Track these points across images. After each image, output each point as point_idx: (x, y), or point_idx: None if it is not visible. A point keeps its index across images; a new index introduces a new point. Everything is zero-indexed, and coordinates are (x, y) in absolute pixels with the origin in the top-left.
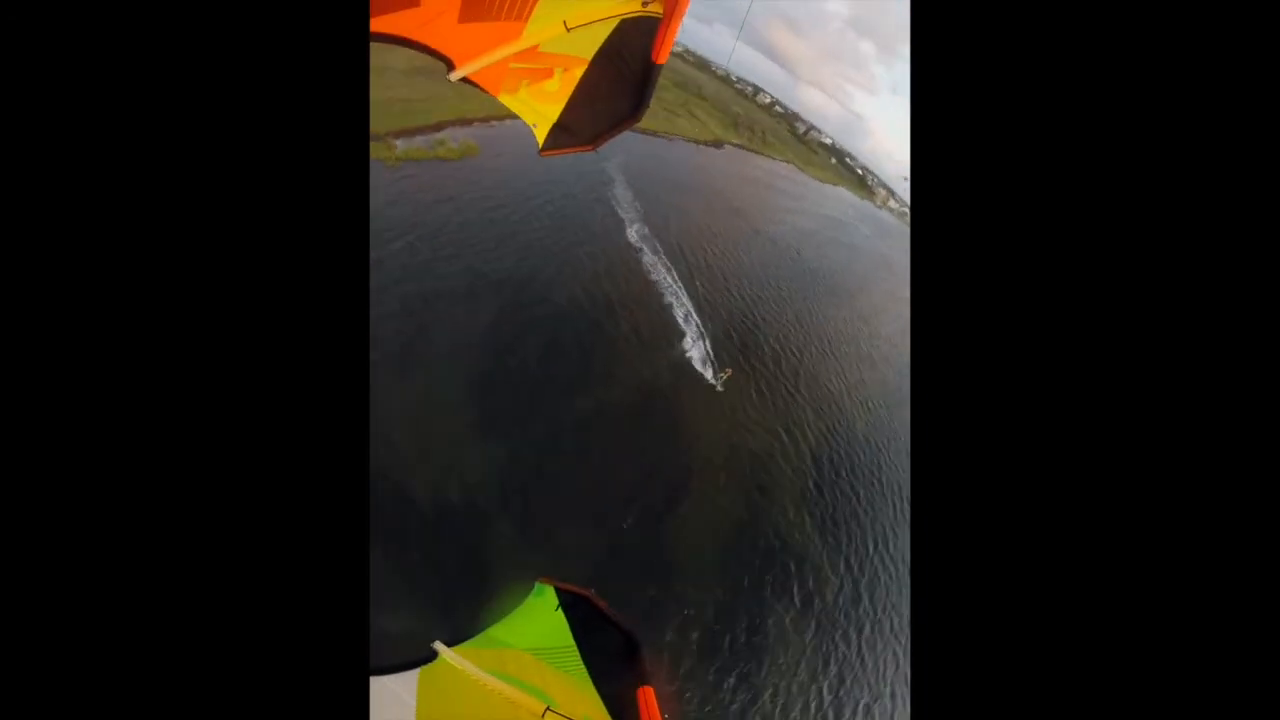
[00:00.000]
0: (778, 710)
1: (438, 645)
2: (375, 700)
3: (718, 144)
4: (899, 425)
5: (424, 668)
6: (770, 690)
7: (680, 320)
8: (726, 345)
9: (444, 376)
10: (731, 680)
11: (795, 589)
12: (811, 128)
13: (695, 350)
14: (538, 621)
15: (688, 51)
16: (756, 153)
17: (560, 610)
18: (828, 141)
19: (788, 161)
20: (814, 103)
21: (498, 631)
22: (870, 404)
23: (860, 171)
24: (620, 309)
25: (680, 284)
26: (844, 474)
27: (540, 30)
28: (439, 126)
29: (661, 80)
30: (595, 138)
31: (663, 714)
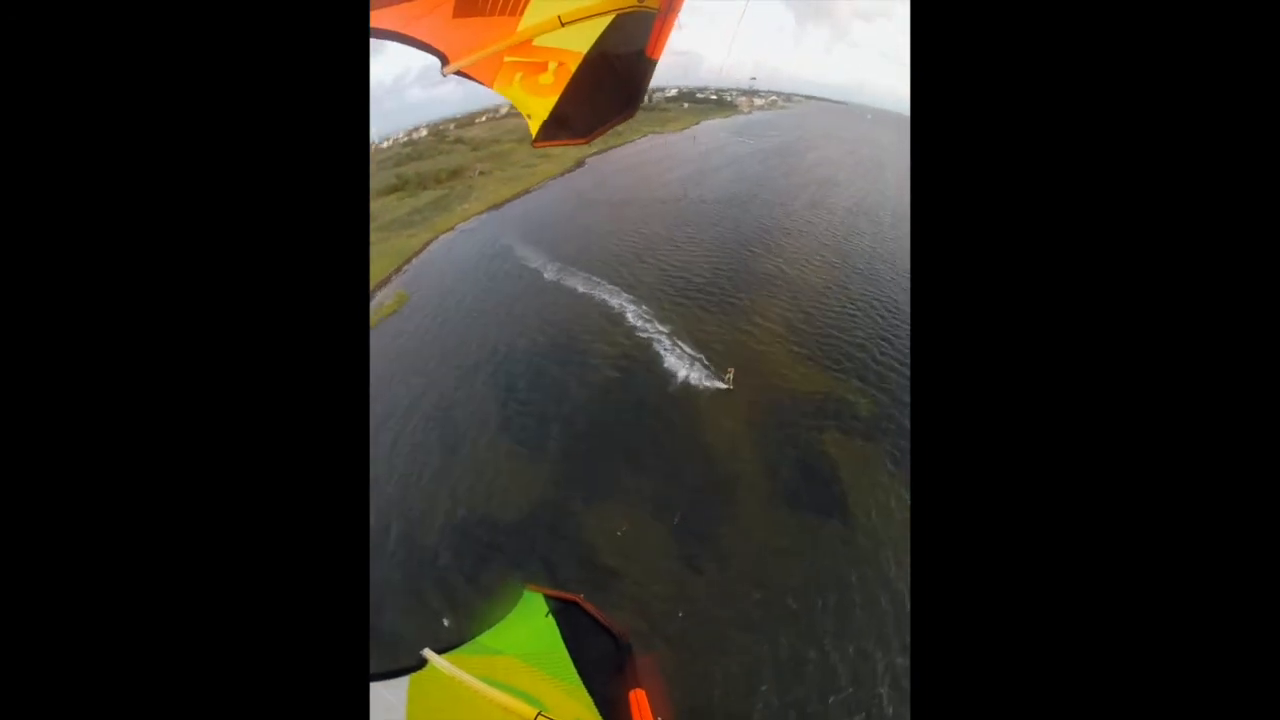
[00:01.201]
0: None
1: (427, 653)
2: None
3: (579, 164)
4: (838, 258)
5: (414, 675)
6: None
7: (636, 325)
8: (701, 322)
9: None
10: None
11: None
12: (654, 91)
13: (693, 372)
14: (527, 628)
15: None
16: (615, 148)
17: (550, 616)
18: (672, 93)
19: (646, 135)
20: None
21: (487, 639)
22: (814, 259)
23: (715, 96)
24: (571, 336)
25: (619, 287)
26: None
27: (534, 24)
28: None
29: (509, 139)
30: (589, 131)
31: (655, 716)
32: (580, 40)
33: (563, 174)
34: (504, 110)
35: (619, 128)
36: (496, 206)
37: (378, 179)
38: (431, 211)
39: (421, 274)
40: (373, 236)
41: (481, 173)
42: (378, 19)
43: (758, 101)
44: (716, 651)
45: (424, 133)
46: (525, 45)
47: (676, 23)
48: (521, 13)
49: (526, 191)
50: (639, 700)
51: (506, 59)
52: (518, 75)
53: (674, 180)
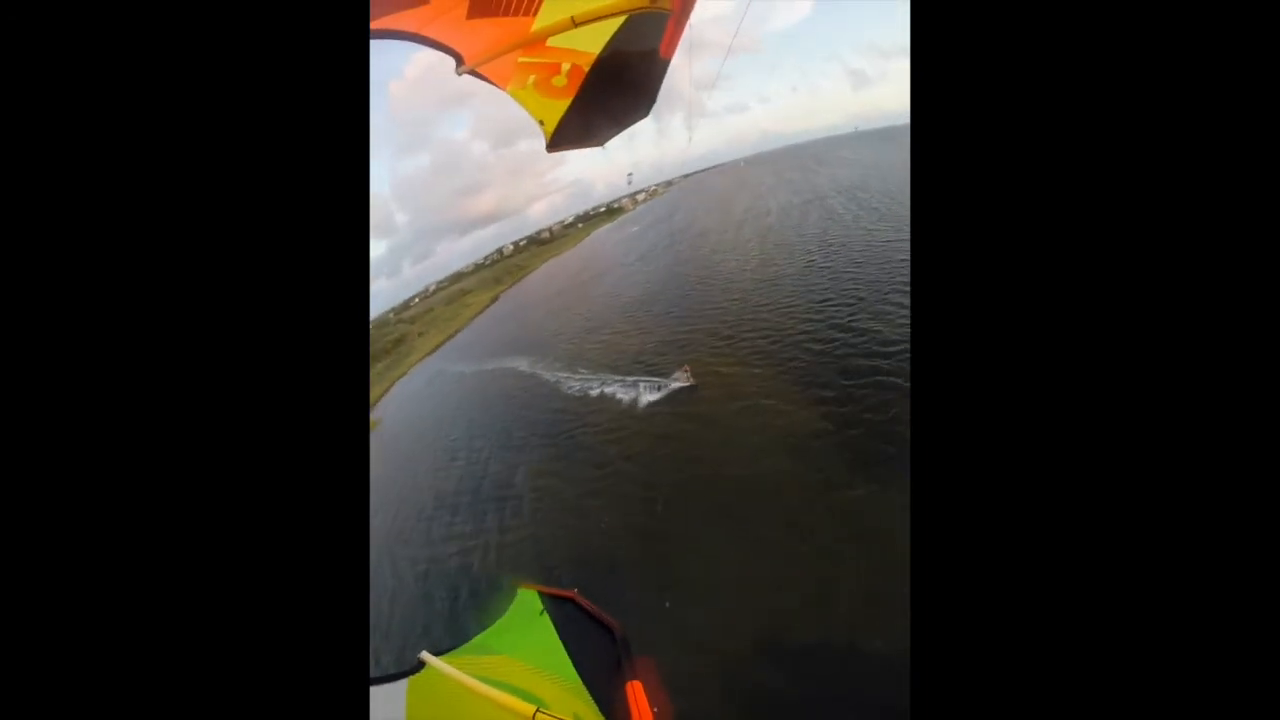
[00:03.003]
0: None
1: (425, 655)
2: None
3: (495, 298)
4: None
5: (412, 677)
6: None
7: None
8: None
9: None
10: None
11: None
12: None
13: (651, 393)
14: (523, 626)
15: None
16: (520, 280)
17: (544, 613)
18: (570, 220)
19: (546, 261)
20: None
21: (484, 639)
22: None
23: (604, 208)
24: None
25: (541, 357)
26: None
27: (548, 25)
28: None
29: (439, 305)
30: (603, 134)
31: (652, 708)
32: (593, 41)
33: (481, 312)
34: (432, 288)
35: (517, 260)
36: (434, 350)
37: None
38: (385, 369)
39: (387, 408)
40: None
41: (420, 334)
42: (394, 22)
43: (640, 197)
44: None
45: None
46: (539, 46)
47: (684, 26)
48: (535, 13)
49: (454, 334)
50: (636, 692)
51: (520, 59)
52: (531, 77)
53: (564, 290)
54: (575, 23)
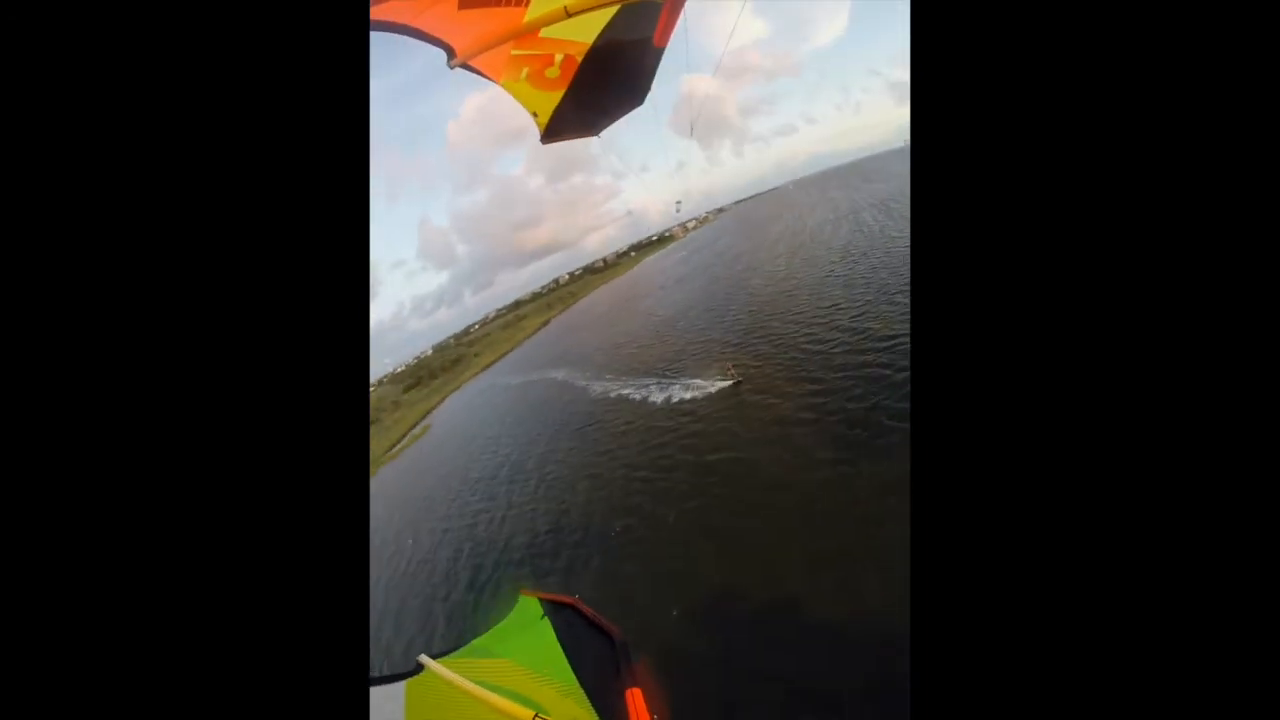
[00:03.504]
0: None
1: (423, 658)
2: None
3: (545, 323)
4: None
5: (411, 680)
6: None
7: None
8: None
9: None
10: None
11: None
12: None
13: (658, 394)
14: (523, 631)
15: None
16: (571, 306)
17: (545, 619)
18: (624, 249)
19: (596, 289)
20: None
21: (483, 642)
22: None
23: (656, 237)
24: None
25: (588, 369)
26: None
27: (541, 15)
28: None
29: (496, 330)
30: (598, 124)
31: (651, 715)
32: (586, 31)
33: (533, 333)
34: (492, 315)
35: (571, 288)
36: (488, 366)
37: (397, 388)
38: (441, 384)
39: (439, 416)
40: (401, 403)
41: (476, 354)
42: (385, 12)
43: (690, 224)
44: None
45: (429, 351)
46: (532, 37)
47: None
48: (527, 4)
49: (507, 353)
50: (635, 699)
51: (513, 52)
52: (524, 69)
53: (608, 312)
54: (568, 13)
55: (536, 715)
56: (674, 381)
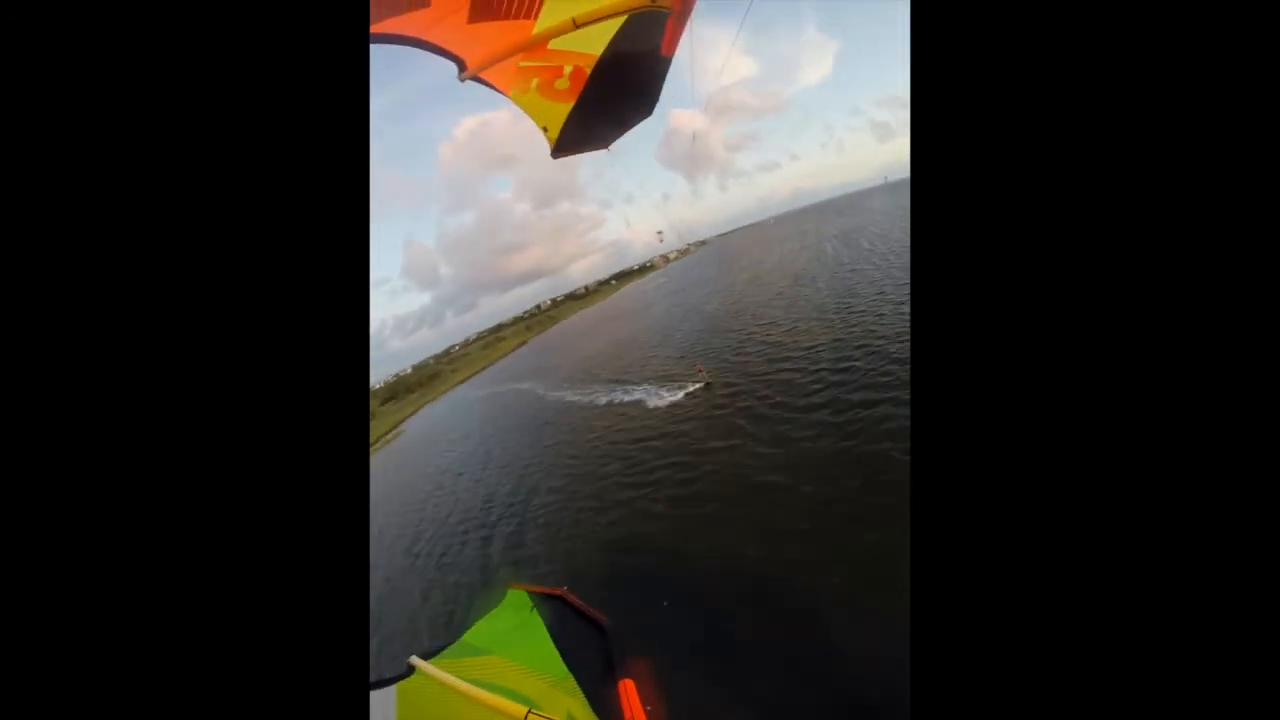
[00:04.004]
0: None
1: (414, 660)
2: None
3: (523, 343)
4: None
5: (402, 683)
6: None
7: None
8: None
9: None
10: None
11: None
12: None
13: (670, 396)
14: (512, 625)
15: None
16: (549, 329)
17: (534, 611)
18: (605, 278)
19: (576, 313)
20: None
21: (472, 638)
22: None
23: (637, 267)
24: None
25: (550, 381)
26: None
27: (550, 27)
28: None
29: (474, 351)
30: (608, 136)
31: (645, 705)
32: (595, 42)
33: (510, 352)
34: (473, 337)
35: (552, 313)
36: (463, 381)
37: (374, 402)
38: (417, 398)
39: (413, 423)
40: (377, 414)
41: (453, 371)
42: (396, 25)
43: (672, 255)
44: None
45: (409, 370)
46: (541, 49)
47: (685, 22)
48: (536, 15)
49: (482, 370)
50: (628, 690)
51: (521, 63)
52: (534, 81)
53: (581, 334)
54: (576, 24)
55: (530, 711)
56: (615, 389)
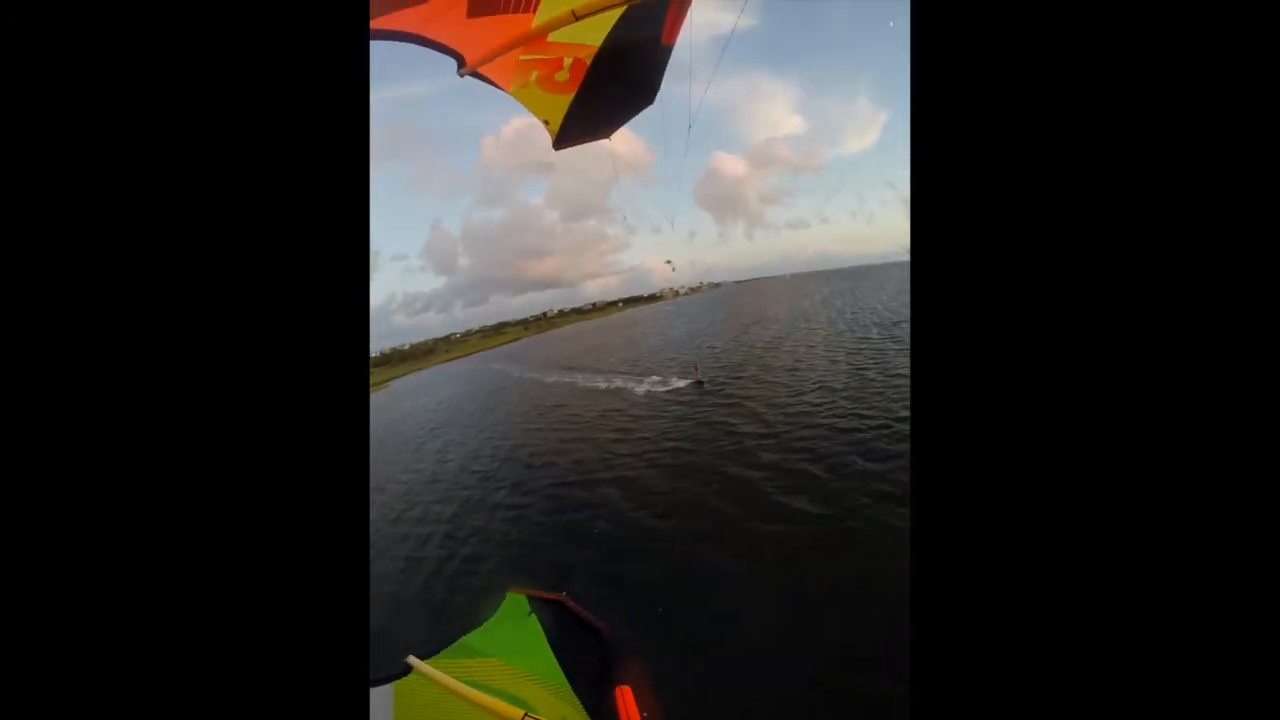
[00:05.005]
0: None
1: (412, 660)
2: None
3: (516, 339)
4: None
5: (399, 682)
6: None
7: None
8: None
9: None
10: None
11: None
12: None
13: (604, 384)
14: (511, 629)
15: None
16: (545, 331)
17: (533, 615)
18: (615, 300)
19: (573, 322)
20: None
21: (471, 640)
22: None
23: (648, 295)
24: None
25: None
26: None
27: (549, 20)
28: None
29: (473, 340)
30: (609, 126)
31: (641, 713)
32: (594, 33)
33: (503, 345)
34: (476, 329)
35: (555, 321)
36: (454, 359)
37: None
38: (410, 367)
39: (401, 382)
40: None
41: (447, 350)
42: (393, 21)
43: (683, 290)
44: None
45: (407, 346)
46: (540, 42)
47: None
48: (535, 9)
49: (471, 354)
50: (625, 697)
51: (521, 57)
52: (534, 74)
53: (571, 337)
54: (576, 16)
55: (526, 715)
56: (566, 374)
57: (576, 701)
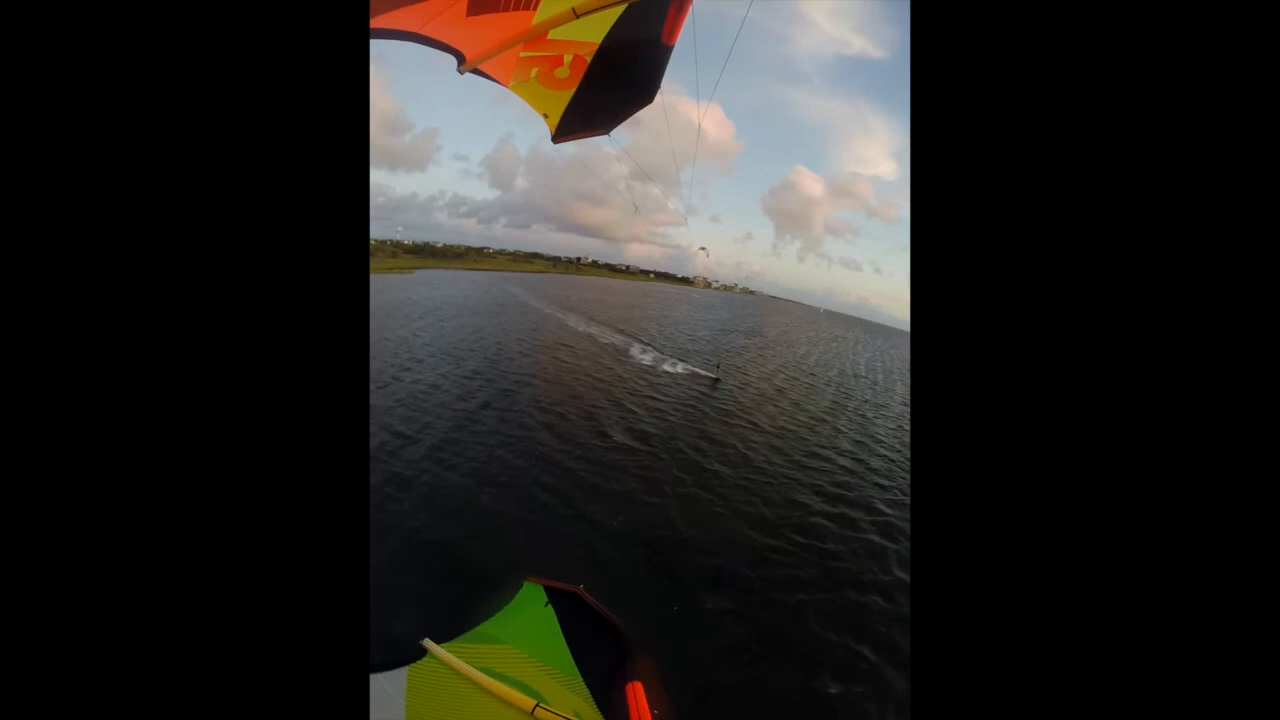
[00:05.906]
0: None
1: (427, 643)
2: None
3: (541, 273)
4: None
5: (413, 665)
6: None
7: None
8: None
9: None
10: None
11: None
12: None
13: (584, 328)
14: (527, 618)
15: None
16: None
17: (549, 606)
18: (649, 270)
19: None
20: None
21: (487, 628)
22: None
23: (680, 276)
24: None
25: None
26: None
27: (549, 17)
28: None
29: (501, 258)
30: (609, 122)
31: (652, 710)
32: (595, 31)
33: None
34: (509, 251)
35: (585, 268)
36: (483, 270)
37: (399, 250)
38: (441, 263)
39: (427, 274)
40: (400, 256)
41: (476, 261)
42: (393, 20)
43: (715, 285)
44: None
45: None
46: (540, 39)
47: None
48: (535, 6)
49: (500, 271)
50: (636, 693)
51: (522, 54)
52: (534, 70)
53: (589, 287)
54: (576, 14)
55: (538, 705)
56: (566, 314)
57: (588, 695)
